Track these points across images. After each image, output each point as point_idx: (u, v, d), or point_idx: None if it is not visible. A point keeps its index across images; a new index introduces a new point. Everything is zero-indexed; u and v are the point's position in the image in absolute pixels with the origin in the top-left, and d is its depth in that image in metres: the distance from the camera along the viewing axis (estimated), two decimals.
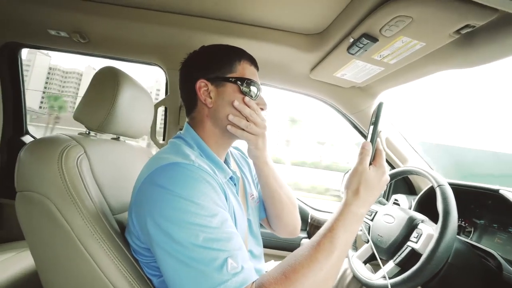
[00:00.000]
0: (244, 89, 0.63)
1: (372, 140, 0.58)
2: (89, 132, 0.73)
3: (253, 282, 0.45)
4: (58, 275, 0.56)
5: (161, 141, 1.35)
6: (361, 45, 0.76)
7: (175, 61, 1.18)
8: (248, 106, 0.63)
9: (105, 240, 0.55)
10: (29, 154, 0.57)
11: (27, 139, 1.47)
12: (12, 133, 1.43)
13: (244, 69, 0.64)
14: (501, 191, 0.83)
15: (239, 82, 0.62)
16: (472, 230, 0.96)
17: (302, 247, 0.50)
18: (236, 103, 0.61)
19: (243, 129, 0.63)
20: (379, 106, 0.59)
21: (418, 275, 0.66)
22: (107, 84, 0.70)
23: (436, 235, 0.68)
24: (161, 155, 0.57)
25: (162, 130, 1.39)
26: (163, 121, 1.39)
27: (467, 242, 0.81)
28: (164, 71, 1.31)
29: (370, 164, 0.57)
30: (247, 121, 0.63)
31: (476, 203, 0.97)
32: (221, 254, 0.45)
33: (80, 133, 0.72)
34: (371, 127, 0.60)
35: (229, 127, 0.63)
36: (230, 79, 0.63)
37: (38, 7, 1.01)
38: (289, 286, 0.44)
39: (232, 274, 0.44)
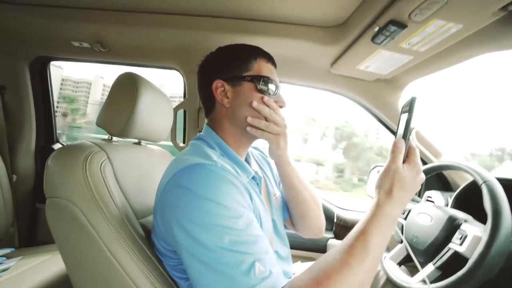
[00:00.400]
0: (261, 87, 0.61)
1: (404, 137, 0.54)
2: (111, 138, 0.75)
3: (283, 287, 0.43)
4: (87, 279, 0.57)
5: (181, 144, 1.37)
6: (387, 33, 0.70)
7: (192, 64, 1.18)
8: (267, 106, 0.61)
9: (130, 244, 0.55)
10: (56, 162, 0.59)
11: (57, 147, 1.56)
12: (44, 142, 1.51)
13: (261, 67, 0.63)
14: None
15: (255, 81, 0.61)
16: None
17: (333, 251, 0.47)
18: (254, 104, 0.60)
19: (263, 130, 0.62)
20: (412, 101, 0.54)
21: (464, 282, 0.60)
22: (126, 90, 0.70)
23: (485, 238, 0.61)
24: (183, 156, 0.56)
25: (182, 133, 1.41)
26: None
27: None
28: (182, 74, 1.32)
29: (403, 162, 0.53)
30: (267, 121, 0.61)
31: None
32: (248, 258, 0.43)
33: (103, 139, 0.74)
34: (402, 122, 0.56)
35: (248, 128, 0.61)
36: (246, 77, 0.61)
37: (62, 21, 1.07)
38: None
39: (260, 279, 0.42)
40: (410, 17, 0.64)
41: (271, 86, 0.62)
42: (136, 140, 0.87)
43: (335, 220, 1.38)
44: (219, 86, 0.62)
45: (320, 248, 1.32)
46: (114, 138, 0.75)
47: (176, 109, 1.32)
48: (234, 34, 0.99)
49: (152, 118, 0.77)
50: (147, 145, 0.91)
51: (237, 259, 0.43)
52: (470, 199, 0.89)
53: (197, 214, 0.46)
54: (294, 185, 0.72)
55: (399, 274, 0.77)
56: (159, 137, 0.86)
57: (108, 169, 0.62)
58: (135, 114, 0.70)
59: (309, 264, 1.01)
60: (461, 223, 0.72)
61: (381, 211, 0.49)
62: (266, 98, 0.61)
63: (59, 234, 0.58)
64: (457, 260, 0.66)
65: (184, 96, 1.34)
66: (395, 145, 0.54)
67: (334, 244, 1.32)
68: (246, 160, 0.70)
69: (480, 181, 0.69)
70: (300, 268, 0.96)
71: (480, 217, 0.73)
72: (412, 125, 0.54)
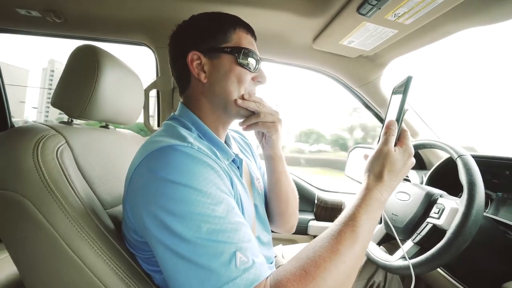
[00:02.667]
0: (242, 60, 0.55)
1: (398, 119, 0.52)
2: (71, 120, 0.65)
3: (267, 278, 0.40)
4: (46, 284, 0.49)
5: (155, 127, 1.28)
6: (374, 2, 0.66)
7: (163, 38, 1.06)
8: (252, 101, 0.58)
9: (95, 239, 0.49)
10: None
11: None
12: None
13: (240, 38, 0.57)
14: None
15: (235, 53, 0.55)
16: (489, 202, 0.92)
17: (320, 238, 0.45)
18: (239, 102, 0.57)
19: (259, 121, 0.60)
20: (408, 81, 0.52)
21: (444, 253, 0.61)
22: (86, 64, 0.61)
23: (462, 208, 0.62)
24: (155, 138, 0.50)
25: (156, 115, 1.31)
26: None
27: (487, 216, 0.76)
28: (152, 50, 1.20)
29: (395, 145, 0.52)
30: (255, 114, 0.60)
31: (491, 174, 0.91)
32: (228, 247, 0.39)
33: (61, 122, 0.64)
34: (394, 103, 0.54)
35: (244, 127, 0.62)
36: (225, 49, 0.55)
37: None
38: (310, 282, 0.39)
39: (242, 270, 0.38)
40: None
41: (252, 60, 0.57)
42: (103, 123, 0.78)
43: (315, 201, 1.39)
44: (195, 59, 0.55)
45: (301, 229, 1.34)
46: (76, 121, 0.66)
47: (147, 90, 1.22)
48: (208, 3, 0.90)
49: (119, 97, 0.68)
50: (116, 129, 0.82)
51: (217, 249, 0.39)
52: (442, 177, 0.92)
53: (170, 202, 0.41)
54: (281, 182, 0.70)
55: (379, 254, 0.79)
56: (129, 119, 0.77)
57: (67, 155, 0.53)
58: (98, 92, 0.61)
59: (291, 247, 1.01)
60: (437, 198, 0.74)
61: (371, 196, 0.48)
62: (246, 95, 0.58)
63: (7, 233, 0.49)
64: (435, 233, 0.68)
65: (157, 75, 1.24)
66: (388, 127, 0.52)
67: (315, 225, 1.34)
68: (226, 142, 0.66)
69: (455, 156, 0.71)
70: (281, 251, 0.95)
71: (452, 193, 0.76)
72: (405, 106, 0.52)
